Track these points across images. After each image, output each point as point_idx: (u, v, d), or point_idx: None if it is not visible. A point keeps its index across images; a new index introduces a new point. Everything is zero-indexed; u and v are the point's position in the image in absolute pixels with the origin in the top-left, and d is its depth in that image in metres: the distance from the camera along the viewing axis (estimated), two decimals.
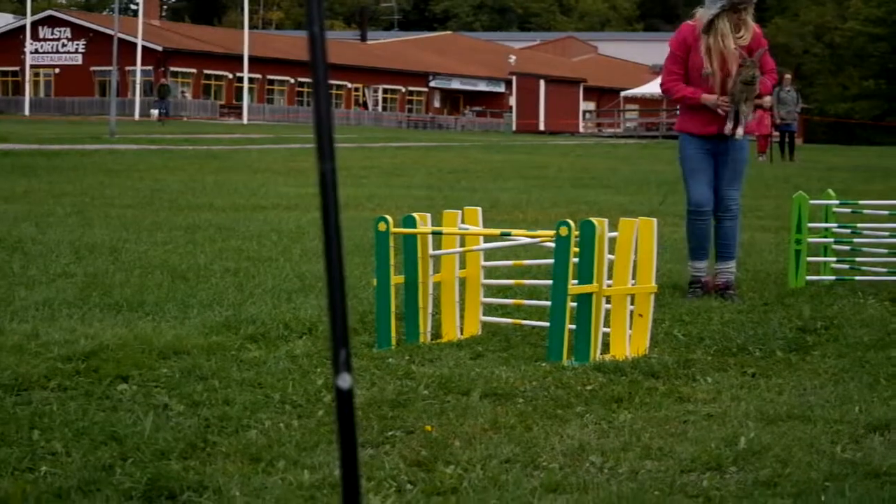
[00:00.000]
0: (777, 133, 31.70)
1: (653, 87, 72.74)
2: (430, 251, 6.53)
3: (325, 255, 2.28)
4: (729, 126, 8.20)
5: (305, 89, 75.88)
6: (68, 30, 72.63)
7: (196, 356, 5.83)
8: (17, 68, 72.23)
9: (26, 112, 65.54)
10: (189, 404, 4.92)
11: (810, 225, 8.86)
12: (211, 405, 4.90)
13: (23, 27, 69.29)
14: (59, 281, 8.07)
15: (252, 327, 6.53)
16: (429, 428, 4.62)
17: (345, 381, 2.27)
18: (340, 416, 2.28)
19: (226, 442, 4.37)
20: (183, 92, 70.43)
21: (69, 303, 7.17)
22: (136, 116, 60.48)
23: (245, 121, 60.79)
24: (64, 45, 72.92)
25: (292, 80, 76.49)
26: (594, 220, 6.01)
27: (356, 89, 78.97)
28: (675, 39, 8.43)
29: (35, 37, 70.48)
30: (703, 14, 8.15)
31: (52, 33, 72.92)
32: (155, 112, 58.42)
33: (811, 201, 8.75)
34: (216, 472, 3.99)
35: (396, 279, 6.42)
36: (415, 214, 6.48)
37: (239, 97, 69.55)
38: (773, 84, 8.63)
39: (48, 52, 72.94)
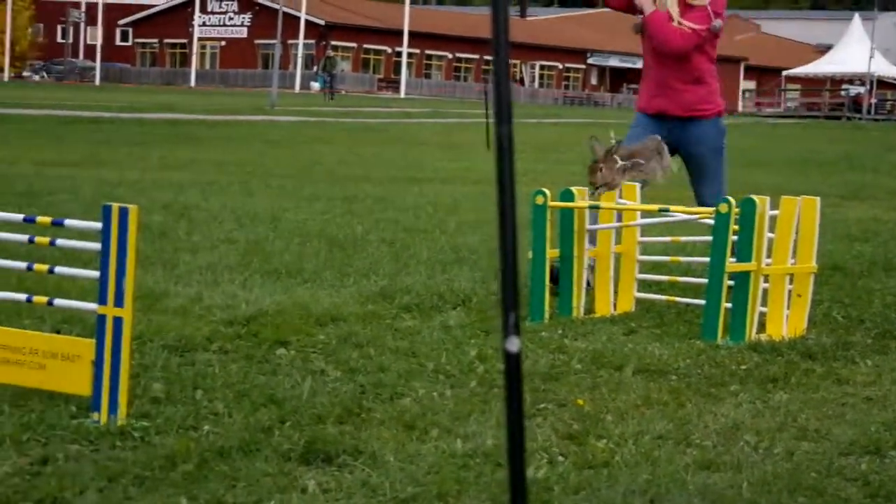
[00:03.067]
0: None
1: (816, 67, 71.24)
2: (587, 225, 6.51)
3: (498, 217, 2.31)
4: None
5: (463, 64, 76.01)
6: (235, 3, 74.04)
7: (352, 324, 5.93)
8: (185, 41, 73.94)
9: (192, 83, 67.06)
10: (345, 370, 5.00)
11: None
12: (366, 372, 4.98)
13: (192, 1, 70.82)
14: (221, 247, 8.26)
15: (407, 297, 6.60)
16: (581, 402, 4.62)
17: (513, 344, 2.30)
18: (509, 379, 2.31)
19: (380, 408, 4.43)
20: (342, 67, 71.29)
21: (231, 268, 7.34)
22: (297, 89, 61.43)
23: (402, 94, 61.20)
24: (230, 19, 74.41)
25: (450, 56, 76.78)
26: (755, 197, 5.92)
27: (513, 65, 78.94)
28: None
29: (203, 10, 72.02)
30: None
31: (220, 6, 74.43)
32: (315, 85, 59.17)
33: None
34: (371, 437, 4.05)
35: (552, 253, 6.42)
36: (572, 188, 6.47)
37: (397, 71, 70.09)
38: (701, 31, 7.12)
39: (215, 25, 74.49)
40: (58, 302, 4.30)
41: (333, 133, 25.84)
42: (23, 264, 4.39)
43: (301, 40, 61.71)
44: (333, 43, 71.40)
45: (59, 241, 4.27)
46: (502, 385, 2.75)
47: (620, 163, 6.27)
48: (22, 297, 4.43)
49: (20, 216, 4.31)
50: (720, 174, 7.30)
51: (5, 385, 4.29)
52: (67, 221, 4.25)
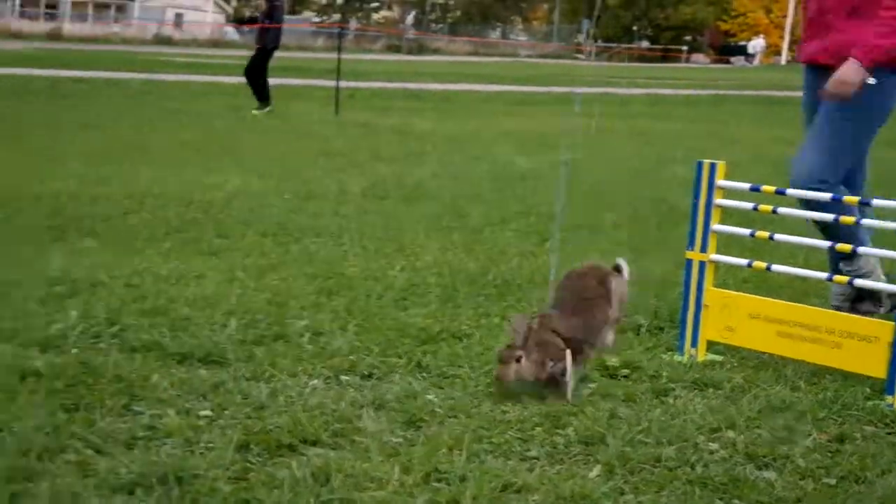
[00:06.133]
0: None
1: None
2: None
3: None
4: None
5: None
6: None
7: None
8: None
9: None
10: None
11: None
12: None
13: None
14: None
15: None
16: None
17: None
18: None
19: None
20: None
21: None
22: None
23: None
24: None
25: None
26: None
27: None
28: None
29: None
30: None
31: None
32: None
33: None
34: None
35: None
36: None
37: None
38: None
39: None
40: (857, 282, 4.25)
41: None
42: (825, 243, 4.39)
43: None
44: None
45: (863, 221, 4.21)
46: None
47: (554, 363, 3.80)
48: (822, 275, 4.44)
49: (828, 195, 4.30)
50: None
51: (801, 362, 4.33)
52: (875, 201, 4.17)
